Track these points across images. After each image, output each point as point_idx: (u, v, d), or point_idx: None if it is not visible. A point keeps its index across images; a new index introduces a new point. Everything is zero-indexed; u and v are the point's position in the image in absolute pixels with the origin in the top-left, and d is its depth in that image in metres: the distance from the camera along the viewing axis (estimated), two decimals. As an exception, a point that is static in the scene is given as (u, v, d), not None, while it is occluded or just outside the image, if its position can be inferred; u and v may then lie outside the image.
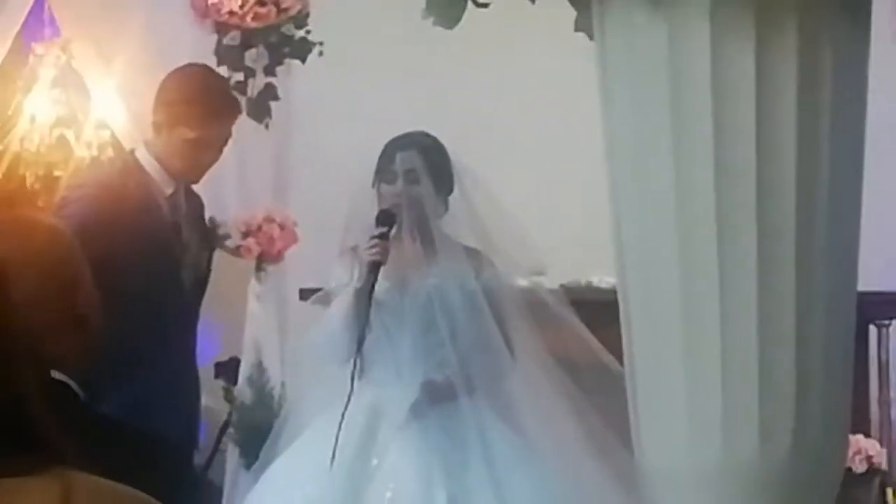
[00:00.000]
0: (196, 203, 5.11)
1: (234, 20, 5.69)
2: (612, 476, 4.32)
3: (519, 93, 6.29)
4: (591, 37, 2.70)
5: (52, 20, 5.79)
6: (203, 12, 5.72)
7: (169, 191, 4.88)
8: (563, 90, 5.88)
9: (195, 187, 5.10)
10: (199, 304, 5.03)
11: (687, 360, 2.25)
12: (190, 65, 5.06)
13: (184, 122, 4.82)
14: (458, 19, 2.75)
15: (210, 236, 5.23)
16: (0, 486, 1.30)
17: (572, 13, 2.96)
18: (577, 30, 2.80)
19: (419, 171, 4.60)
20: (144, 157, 4.90)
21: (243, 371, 5.67)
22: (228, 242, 5.66)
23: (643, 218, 2.35)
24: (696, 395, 2.24)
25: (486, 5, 2.64)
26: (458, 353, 4.56)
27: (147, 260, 4.60)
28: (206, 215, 5.28)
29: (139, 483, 1.45)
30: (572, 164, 5.83)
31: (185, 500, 4.74)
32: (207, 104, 4.87)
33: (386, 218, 4.56)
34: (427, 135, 4.70)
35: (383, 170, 4.63)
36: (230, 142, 5.11)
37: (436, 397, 4.53)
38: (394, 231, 4.57)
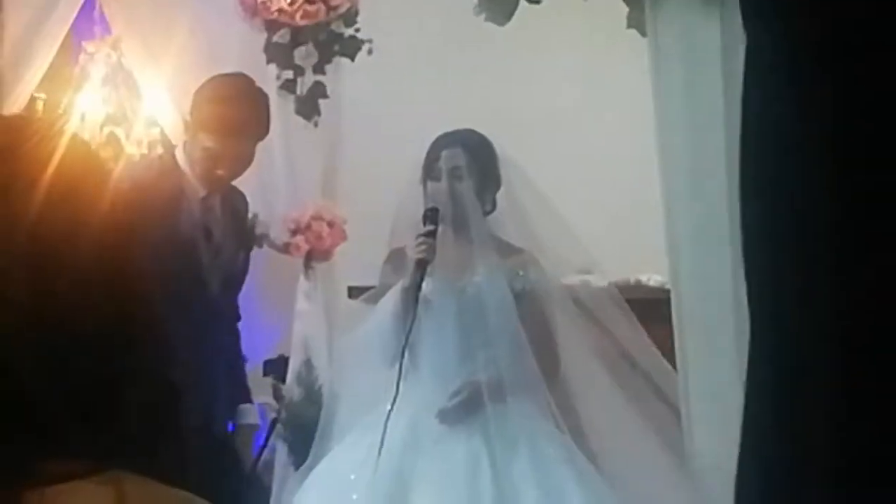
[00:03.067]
0: (237, 202, 5.04)
1: (284, 18, 5.69)
2: (663, 476, 4.30)
3: (568, 90, 6.27)
4: (642, 33, 2.70)
5: (103, 18, 5.82)
6: (252, 10, 5.72)
7: (202, 192, 4.82)
8: (613, 88, 5.86)
9: (243, 187, 5.07)
10: (229, 301, 4.98)
11: (740, 358, 2.23)
12: (235, 74, 4.96)
13: (204, 129, 4.73)
14: (511, 16, 2.74)
15: (247, 236, 5.16)
16: (52, 492, 1.27)
17: (623, 10, 2.95)
18: (629, 26, 2.80)
19: (464, 168, 4.58)
20: (182, 157, 4.87)
21: (292, 369, 5.67)
22: (276, 239, 5.67)
23: (696, 213, 2.33)
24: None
25: (538, 1, 2.63)
26: (505, 352, 4.54)
27: (168, 261, 4.46)
28: (250, 213, 5.25)
29: (194, 481, 1.42)
30: (622, 162, 5.82)
31: (235, 496, 4.78)
32: (229, 117, 4.73)
33: (433, 216, 4.55)
34: (474, 132, 4.68)
35: (429, 167, 4.62)
36: (279, 139, 5.09)
37: (476, 399, 4.51)
38: (441, 229, 4.55)
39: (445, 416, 4.51)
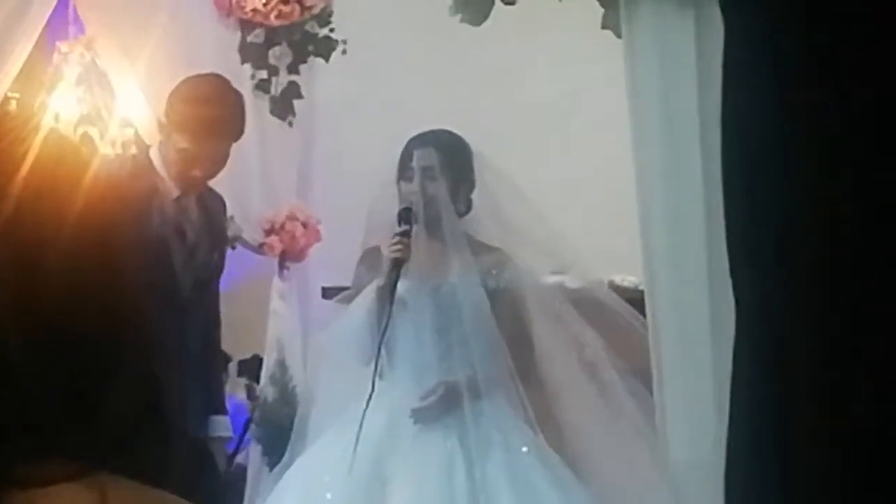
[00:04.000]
0: (214, 204, 5.03)
1: (258, 18, 5.69)
2: (638, 475, 4.31)
3: (543, 91, 6.28)
4: (617, 34, 2.71)
5: (77, 18, 5.80)
6: (227, 10, 5.72)
7: (176, 193, 4.82)
8: (588, 88, 5.87)
9: (218, 188, 5.07)
10: (205, 303, 4.95)
11: (715, 353, 2.25)
12: (209, 74, 4.95)
13: (179, 130, 4.74)
14: (486, 16, 2.75)
15: (221, 237, 5.14)
16: (33, 496, 1.25)
17: (598, 11, 2.97)
18: (603, 27, 2.81)
19: (436, 168, 4.60)
20: (157, 157, 4.87)
21: (266, 369, 5.66)
22: (250, 239, 5.67)
23: (671, 211, 2.35)
24: (724, 388, 2.24)
25: (512, 3, 2.63)
26: (479, 352, 4.55)
27: (141, 261, 4.42)
28: (228, 214, 5.24)
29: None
30: (596, 163, 5.83)
31: (208, 495, 4.77)
32: (204, 118, 4.73)
33: (407, 215, 4.56)
34: (447, 132, 4.70)
35: (403, 167, 4.63)
36: (254, 139, 5.08)
37: (451, 398, 4.52)
38: (415, 229, 4.56)
39: (419, 416, 4.51)
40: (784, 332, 0.95)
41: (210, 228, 4.96)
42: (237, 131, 4.86)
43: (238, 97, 4.90)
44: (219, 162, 4.81)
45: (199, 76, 4.91)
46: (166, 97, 4.88)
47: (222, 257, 5.06)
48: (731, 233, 1.05)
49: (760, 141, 0.98)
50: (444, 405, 4.51)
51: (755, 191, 0.99)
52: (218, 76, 4.94)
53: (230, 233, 5.32)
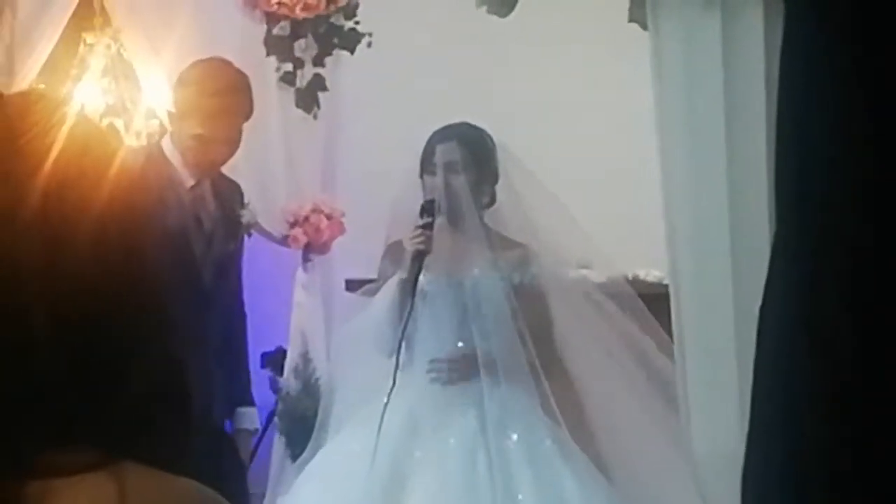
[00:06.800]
0: (228, 191, 5.03)
1: (284, 10, 5.70)
2: (662, 467, 4.30)
3: (569, 84, 6.27)
4: (643, 27, 2.71)
5: (103, 9, 5.81)
6: (253, 2, 5.73)
7: (191, 182, 4.83)
8: (614, 81, 5.86)
9: (242, 180, 5.07)
10: (227, 291, 4.96)
11: (738, 347, 2.24)
12: (211, 59, 4.94)
13: (190, 117, 4.76)
14: (512, 7, 2.74)
15: (237, 223, 5.14)
16: (50, 488, 1.24)
17: (625, 4, 2.97)
18: (630, 20, 2.81)
19: (459, 162, 4.59)
20: (169, 147, 4.87)
21: (289, 361, 5.67)
22: (274, 231, 5.67)
23: (696, 206, 2.34)
24: (748, 381, 2.23)
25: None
26: (502, 345, 4.55)
27: (165, 248, 4.42)
28: (245, 200, 5.22)
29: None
30: (621, 157, 5.82)
31: (229, 484, 4.77)
32: (214, 101, 4.76)
33: (430, 208, 4.56)
34: (470, 126, 4.69)
35: (426, 161, 4.63)
36: (279, 132, 5.06)
37: (472, 366, 4.51)
38: (438, 222, 4.57)
39: (435, 367, 4.50)
40: (826, 322, 0.94)
41: (225, 215, 4.96)
42: (248, 110, 4.86)
43: (243, 77, 4.89)
44: (233, 143, 4.82)
45: (200, 62, 4.90)
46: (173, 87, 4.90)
47: (240, 245, 5.05)
48: (781, 225, 1.04)
49: (816, 139, 0.97)
50: (464, 368, 4.51)
51: (809, 190, 0.98)
52: (219, 59, 4.93)
53: (245, 220, 5.30)
